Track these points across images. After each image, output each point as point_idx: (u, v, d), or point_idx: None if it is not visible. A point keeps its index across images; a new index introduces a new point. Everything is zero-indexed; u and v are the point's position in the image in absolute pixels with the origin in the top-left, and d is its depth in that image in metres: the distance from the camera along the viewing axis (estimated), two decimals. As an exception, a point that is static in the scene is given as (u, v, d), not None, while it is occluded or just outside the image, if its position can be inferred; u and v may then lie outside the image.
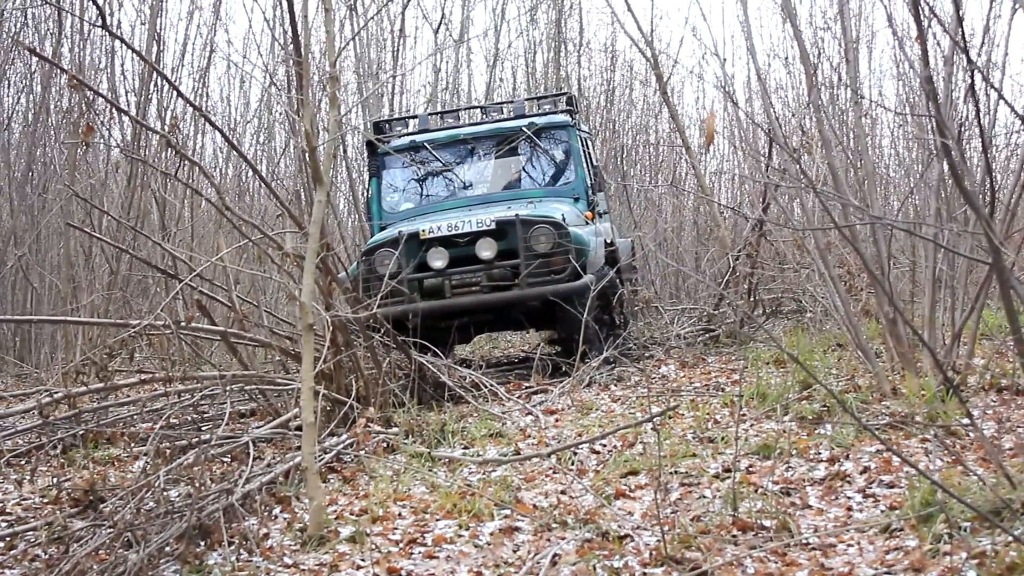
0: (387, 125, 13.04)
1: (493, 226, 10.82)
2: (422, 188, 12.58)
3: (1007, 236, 6.86)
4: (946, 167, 7.22)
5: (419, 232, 10.84)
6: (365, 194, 13.04)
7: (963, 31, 5.00)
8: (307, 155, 7.12)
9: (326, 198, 6.51)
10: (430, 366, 9.55)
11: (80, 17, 13.96)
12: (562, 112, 12.68)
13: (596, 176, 12.54)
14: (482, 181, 12.52)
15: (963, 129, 7.96)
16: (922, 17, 4.77)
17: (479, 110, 13.53)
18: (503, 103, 13.97)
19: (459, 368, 10.09)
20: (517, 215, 10.80)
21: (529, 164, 12.51)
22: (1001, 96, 5.32)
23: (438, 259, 10.79)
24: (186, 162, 11.28)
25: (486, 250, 10.79)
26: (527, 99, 13.80)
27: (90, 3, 12.64)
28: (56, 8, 13.81)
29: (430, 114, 13.62)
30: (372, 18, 17.87)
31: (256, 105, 18.34)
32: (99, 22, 6.84)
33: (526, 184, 12.43)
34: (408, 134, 12.73)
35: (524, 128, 12.28)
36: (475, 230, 10.83)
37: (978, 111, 4.92)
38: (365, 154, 12.88)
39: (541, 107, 13.28)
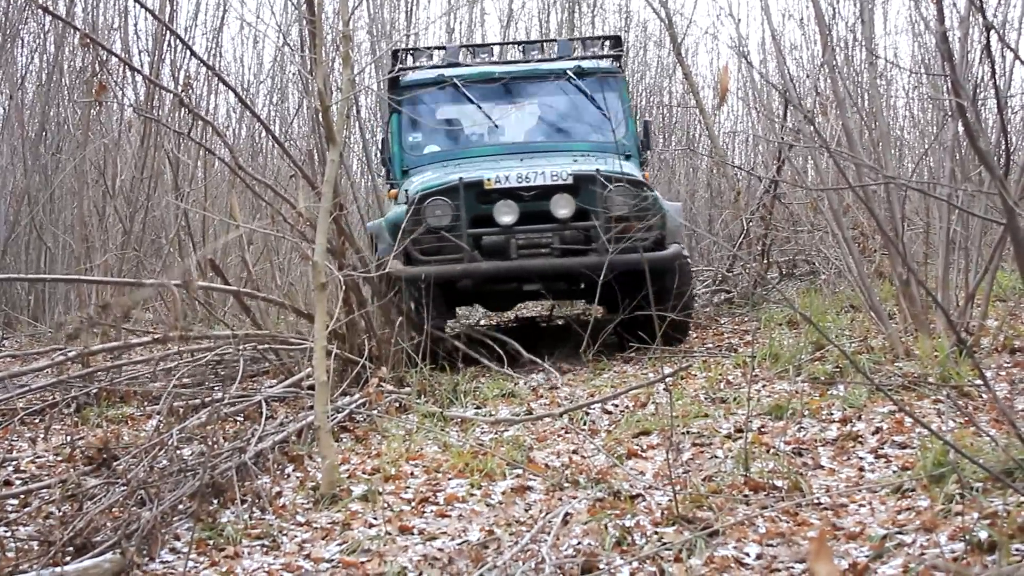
0: (408, 55, 11.48)
1: (570, 180, 9.44)
2: (450, 130, 11.16)
3: (1022, 197, 6.81)
4: (961, 127, 7.20)
5: (483, 181, 9.47)
6: (384, 132, 11.74)
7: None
8: (320, 115, 7.11)
9: (339, 158, 6.50)
10: (440, 334, 9.45)
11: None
12: (610, 57, 11.38)
13: (646, 132, 11.27)
14: (518, 128, 11.11)
15: (978, 89, 7.91)
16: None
17: (516, 47, 12.01)
18: (544, 40, 12.52)
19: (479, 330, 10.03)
20: (598, 170, 9.46)
21: (573, 113, 11.12)
22: (1017, 56, 5.27)
23: (507, 214, 9.41)
24: (199, 122, 11.26)
25: (563, 207, 9.42)
26: (571, 39, 11.89)
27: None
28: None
29: (460, 46, 12.14)
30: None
31: (269, 65, 18.34)
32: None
33: (569, 135, 11.01)
34: (434, 67, 11.27)
35: (569, 72, 10.93)
36: (549, 183, 9.45)
37: (993, 71, 4.89)
38: (384, 88, 11.29)
39: (588, 49, 11.45)
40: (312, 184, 8.17)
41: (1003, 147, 6.29)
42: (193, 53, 8.86)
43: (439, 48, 11.67)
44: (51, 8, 14.27)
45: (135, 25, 15.45)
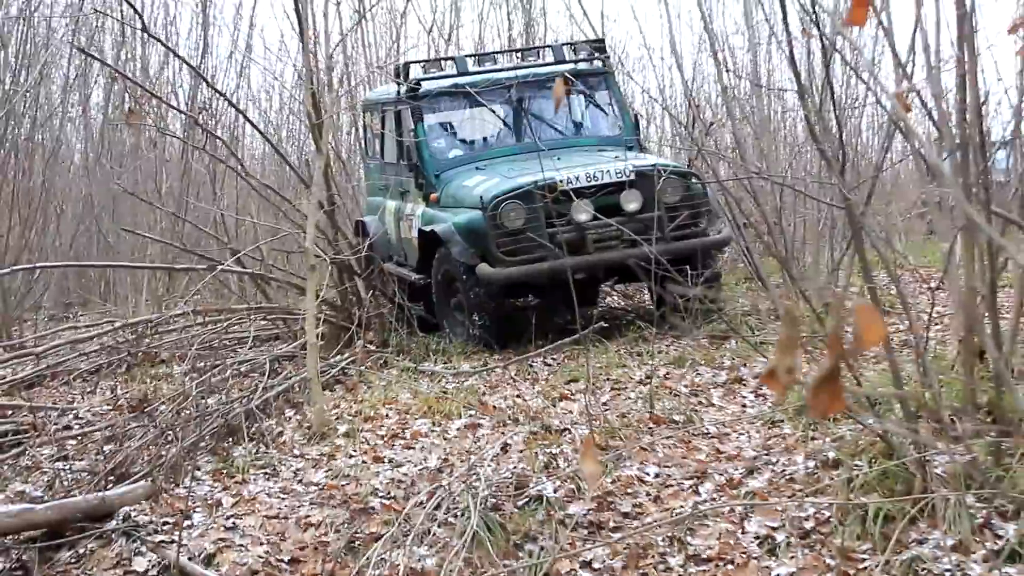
0: (422, 67, 9.82)
1: (632, 176, 8.34)
2: (467, 135, 9.82)
3: (854, 188, 6.81)
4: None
5: (556, 183, 8.19)
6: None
7: (817, 15, 4.98)
8: (311, 131, 7.10)
9: (325, 164, 6.50)
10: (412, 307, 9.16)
11: (142, 28, 13.77)
12: (600, 58, 10.04)
13: (637, 124, 10.05)
14: (528, 128, 9.70)
15: (825, 97, 7.91)
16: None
17: (515, 54, 10.50)
18: (539, 47, 10.88)
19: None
20: (655, 165, 8.45)
21: (575, 111, 9.92)
22: (855, 72, 5.28)
23: (583, 212, 8.24)
24: (230, 139, 11.20)
25: (632, 201, 8.32)
26: (564, 44, 10.39)
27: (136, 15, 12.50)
28: (120, 22, 13.59)
29: (467, 56, 10.35)
30: (361, 21, 17.58)
31: (288, 98, 18.19)
32: (140, 26, 6.84)
33: (578, 132, 9.81)
34: (446, 76, 9.70)
35: (568, 75, 9.43)
36: (615, 180, 8.36)
37: (830, 85, 4.89)
38: (402, 93, 9.49)
39: (578, 52, 10.05)
40: (307, 185, 8.13)
41: (841, 148, 6.25)
42: (219, 93, 8.83)
43: (449, 59, 10.24)
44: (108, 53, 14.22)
45: (178, 62, 15.27)
